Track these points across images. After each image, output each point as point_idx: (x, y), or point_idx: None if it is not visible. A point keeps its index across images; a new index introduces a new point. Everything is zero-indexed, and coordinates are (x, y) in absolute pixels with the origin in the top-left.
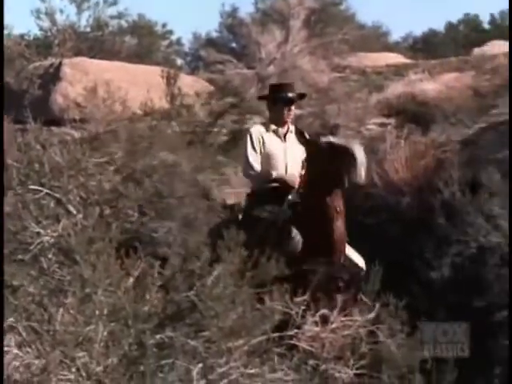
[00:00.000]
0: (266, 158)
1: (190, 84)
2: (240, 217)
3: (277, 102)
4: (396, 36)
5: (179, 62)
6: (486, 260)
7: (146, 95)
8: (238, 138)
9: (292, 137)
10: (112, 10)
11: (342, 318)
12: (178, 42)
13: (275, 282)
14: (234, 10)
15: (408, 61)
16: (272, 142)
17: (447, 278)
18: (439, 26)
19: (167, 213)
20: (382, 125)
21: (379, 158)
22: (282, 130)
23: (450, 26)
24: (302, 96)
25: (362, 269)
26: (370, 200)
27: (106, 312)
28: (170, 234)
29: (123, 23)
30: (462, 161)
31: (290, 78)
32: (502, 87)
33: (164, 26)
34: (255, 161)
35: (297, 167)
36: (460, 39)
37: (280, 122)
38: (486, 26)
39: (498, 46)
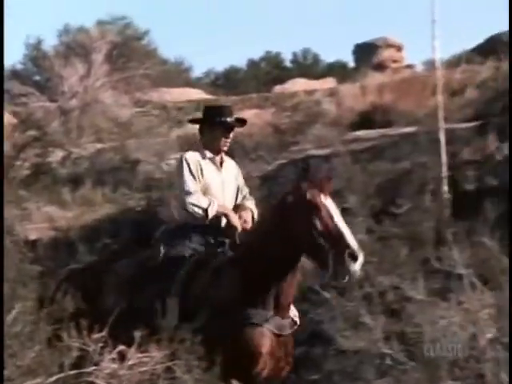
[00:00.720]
0: (204, 190)
1: None
2: (162, 250)
3: (213, 127)
4: (198, 72)
5: None
6: None
7: None
8: (40, 171)
9: (227, 166)
10: None
11: (139, 355)
12: None
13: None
14: (39, 42)
15: (209, 96)
16: (210, 171)
17: None
18: (241, 62)
19: None
20: None
21: (178, 194)
22: (217, 158)
23: (252, 63)
24: (242, 122)
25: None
26: None
27: None
28: None
29: None
30: (262, 196)
31: (91, 111)
32: (301, 124)
33: None
34: (195, 190)
35: (231, 200)
36: (261, 76)
37: (215, 149)
38: (288, 63)
39: (299, 84)
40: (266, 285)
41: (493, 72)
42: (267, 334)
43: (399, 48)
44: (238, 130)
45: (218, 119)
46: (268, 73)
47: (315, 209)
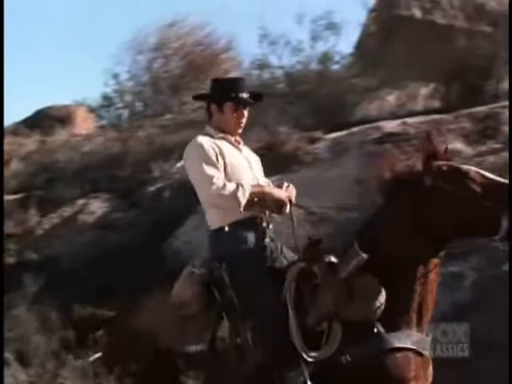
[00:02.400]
0: (230, 171)
1: None
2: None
3: (222, 105)
4: None
5: None
6: None
7: None
8: None
9: (245, 148)
10: None
11: None
12: None
13: None
14: None
15: None
16: (229, 149)
17: None
18: None
19: None
20: None
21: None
22: (231, 138)
23: None
24: (258, 97)
25: None
26: None
27: None
28: None
29: None
30: None
31: None
32: None
33: None
34: (218, 176)
35: (263, 181)
36: None
37: (228, 129)
38: None
39: None
40: (409, 295)
41: (38, 145)
42: (412, 358)
43: None
44: None
45: (227, 95)
46: None
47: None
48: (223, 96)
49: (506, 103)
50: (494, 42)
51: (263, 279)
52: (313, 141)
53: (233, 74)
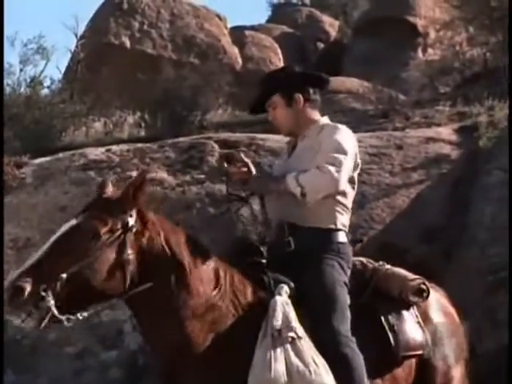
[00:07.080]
0: None
1: None
2: None
3: None
4: None
5: None
6: None
7: None
8: None
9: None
10: None
11: None
12: None
13: None
14: None
15: None
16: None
17: None
18: None
19: None
20: None
21: None
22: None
23: None
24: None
25: None
26: None
27: None
28: None
29: None
30: None
31: None
32: None
33: None
34: None
35: None
36: None
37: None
38: None
39: None
40: None
41: None
42: None
43: None
44: None
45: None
46: None
47: None
48: None
49: (211, 134)
50: (201, 74)
51: None
52: (20, 165)
53: None
